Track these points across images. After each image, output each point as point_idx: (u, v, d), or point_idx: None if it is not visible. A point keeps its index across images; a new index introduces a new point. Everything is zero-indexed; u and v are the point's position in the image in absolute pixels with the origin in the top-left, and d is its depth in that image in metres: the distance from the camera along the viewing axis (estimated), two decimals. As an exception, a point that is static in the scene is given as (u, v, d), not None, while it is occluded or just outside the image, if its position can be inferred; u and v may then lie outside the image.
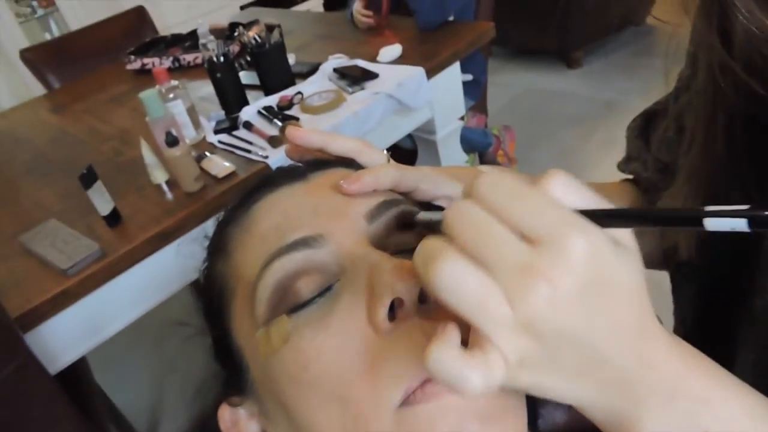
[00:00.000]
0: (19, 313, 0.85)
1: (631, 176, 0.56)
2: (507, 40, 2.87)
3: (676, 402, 0.24)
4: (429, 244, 0.23)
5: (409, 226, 0.34)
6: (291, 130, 0.39)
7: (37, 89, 2.21)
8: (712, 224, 0.20)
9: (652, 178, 0.52)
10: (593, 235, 0.22)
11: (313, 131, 0.39)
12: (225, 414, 0.35)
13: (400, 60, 1.42)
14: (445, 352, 0.22)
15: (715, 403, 0.24)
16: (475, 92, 1.84)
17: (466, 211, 0.23)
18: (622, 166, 0.57)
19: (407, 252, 0.32)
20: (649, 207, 0.34)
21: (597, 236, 0.22)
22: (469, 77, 1.75)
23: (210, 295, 0.36)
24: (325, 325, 0.29)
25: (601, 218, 0.22)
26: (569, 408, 0.44)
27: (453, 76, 1.49)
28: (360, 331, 0.29)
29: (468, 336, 0.23)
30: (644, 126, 0.54)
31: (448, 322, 0.24)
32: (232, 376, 0.35)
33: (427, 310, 0.29)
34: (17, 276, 0.96)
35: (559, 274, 0.21)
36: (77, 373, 1.17)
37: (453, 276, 0.22)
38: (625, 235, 0.23)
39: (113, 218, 1.03)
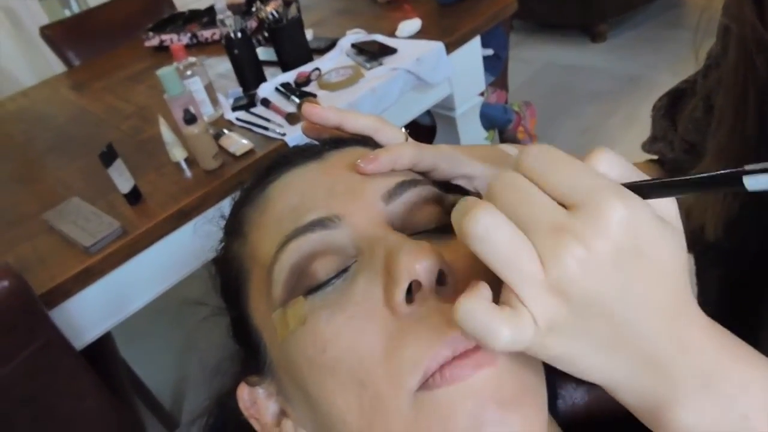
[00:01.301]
0: (45, 290, 0.87)
1: (656, 157, 0.55)
2: (529, 13, 2.80)
3: (714, 387, 0.23)
4: (469, 200, 0.24)
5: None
6: (307, 108, 0.38)
7: (57, 66, 2.22)
8: (752, 183, 0.20)
9: (678, 159, 0.51)
10: (633, 204, 0.21)
11: (330, 108, 0.38)
12: (243, 393, 0.35)
13: (419, 35, 1.39)
14: (476, 303, 0.22)
15: (753, 389, 0.23)
16: (496, 67, 1.80)
17: (510, 178, 0.23)
18: (647, 147, 0.56)
19: (425, 233, 0.32)
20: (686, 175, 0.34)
21: (638, 206, 0.21)
22: (489, 52, 1.71)
23: (227, 276, 0.35)
24: (342, 307, 0.29)
25: (643, 191, 0.22)
26: (590, 388, 0.43)
27: (473, 51, 1.46)
28: (377, 313, 0.28)
29: (498, 298, 0.23)
30: (671, 105, 0.53)
31: (478, 281, 0.24)
32: (250, 356, 0.35)
33: (445, 292, 0.28)
34: (41, 253, 0.98)
35: (593, 236, 0.21)
36: (103, 348, 1.20)
37: (487, 226, 0.22)
38: (671, 213, 0.23)
39: (133, 196, 1.03)
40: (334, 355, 0.28)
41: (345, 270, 0.30)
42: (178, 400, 1.76)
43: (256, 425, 0.35)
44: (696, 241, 0.45)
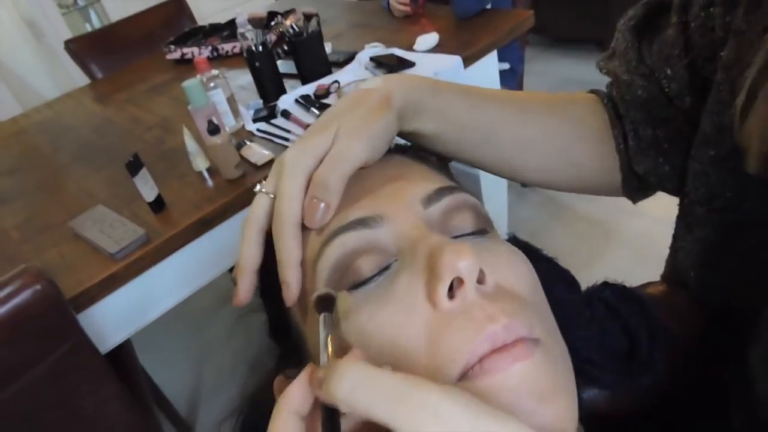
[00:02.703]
0: (72, 295, 0.89)
1: (607, 77, 0.50)
2: (544, 28, 2.82)
3: None
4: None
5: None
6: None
7: (80, 79, 2.28)
8: None
9: (632, 83, 0.46)
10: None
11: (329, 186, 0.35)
12: (280, 385, 0.37)
13: (437, 48, 1.41)
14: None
15: None
16: (512, 81, 1.82)
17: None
18: (602, 63, 0.50)
19: (462, 237, 0.33)
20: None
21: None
22: (506, 66, 1.73)
23: (269, 274, 0.37)
24: (384, 302, 0.30)
25: None
26: (611, 395, 0.44)
27: (490, 65, 1.48)
28: (419, 308, 0.29)
29: None
30: (643, 18, 0.46)
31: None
32: (287, 351, 0.36)
33: (484, 290, 0.29)
34: (68, 260, 1.00)
35: None
36: (124, 355, 1.22)
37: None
38: None
39: (157, 204, 1.06)
40: (376, 349, 0.29)
41: (386, 268, 0.32)
42: (193, 407, 1.77)
43: None
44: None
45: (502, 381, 0.27)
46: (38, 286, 0.73)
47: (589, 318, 0.41)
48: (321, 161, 0.35)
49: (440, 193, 0.34)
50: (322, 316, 0.29)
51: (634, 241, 1.75)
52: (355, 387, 0.23)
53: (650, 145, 0.46)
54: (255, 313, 0.42)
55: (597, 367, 0.39)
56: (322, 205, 0.33)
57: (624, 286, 0.44)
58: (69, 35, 2.51)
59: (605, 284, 0.44)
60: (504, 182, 1.76)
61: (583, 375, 0.38)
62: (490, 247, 0.33)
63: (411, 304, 0.30)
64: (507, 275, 0.32)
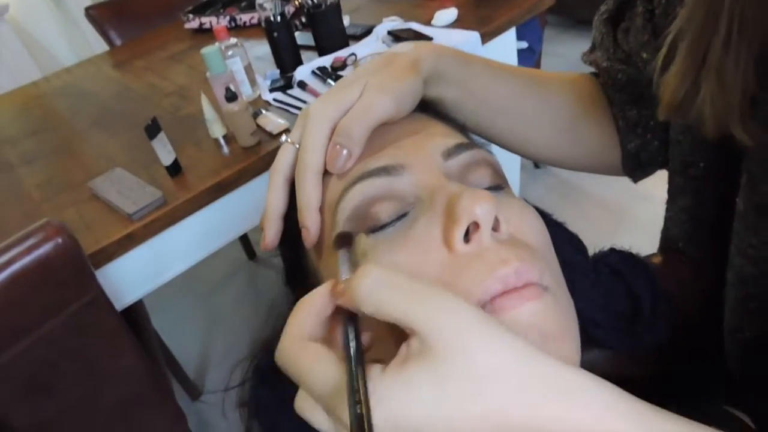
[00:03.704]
0: (90, 252, 0.91)
1: (592, 69, 0.54)
2: (564, 9, 2.78)
3: None
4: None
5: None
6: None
7: (98, 46, 2.29)
8: None
9: (612, 68, 0.49)
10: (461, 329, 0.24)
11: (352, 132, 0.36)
12: None
13: (455, 24, 1.40)
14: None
15: None
16: (530, 61, 1.81)
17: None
18: (585, 57, 0.54)
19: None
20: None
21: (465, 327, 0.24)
22: (524, 45, 1.72)
23: (291, 218, 0.38)
24: (401, 245, 0.31)
25: None
26: (612, 357, 0.45)
27: (508, 42, 1.47)
28: (435, 250, 0.31)
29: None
30: (615, 10, 0.50)
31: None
32: (302, 297, 0.38)
33: (499, 237, 0.31)
34: (87, 219, 1.03)
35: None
36: (137, 314, 1.25)
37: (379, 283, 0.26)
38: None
39: (174, 169, 1.08)
40: None
41: (405, 215, 0.33)
42: (201, 371, 1.82)
43: None
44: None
45: (511, 318, 0.28)
46: (59, 240, 0.75)
47: (594, 280, 0.42)
48: (345, 114, 0.36)
49: (460, 147, 0.36)
50: (341, 251, 0.31)
51: (645, 224, 1.75)
52: (376, 288, 0.24)
53: (637, 124, 0.49)
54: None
55: (600, 327, 0.40)
56: (345, 152, 0.35)
57: (630, 253, 0.45)
58: (89, 2, 2.52)
59: (612, 250, 0.45)
60: (517, 162, 1.76)
61: (586, 334, 0.39)
62: (506, 200, 0.34)
63: (427, 247, 0.31)
64: (520, 227, 0.33)
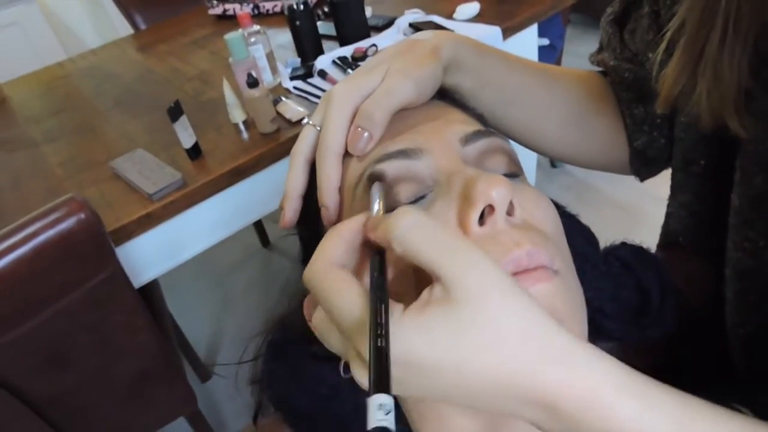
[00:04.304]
0: (110, 230, 0.94)
1: (599, 68, 0.55)
2: (588, 7, 2.75)
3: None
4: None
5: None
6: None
7: (122, 29, 2.32)
8: None
9: (620, 67, 0.50)
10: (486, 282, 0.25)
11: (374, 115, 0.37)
12: (309, 304, 0.39)
13: (477, 18, 1.40)
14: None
15: None
16: (551, 58, 1.80)
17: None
18: (592, 57, 0.55)
19: None
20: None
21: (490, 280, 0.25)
22: (545, 42, 1.71)
23: (310, 200, 0.39)
24: None
25: None
26: (619, 349, 0.46)
27: (529, 38, 1.46)
28: None
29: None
30: (621, 12, 0.52)
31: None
32: None
33: (512, 222, 0.31)
34: (107, 197, 1.05)
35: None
36: (151, 293, 1.28)
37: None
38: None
39: (194, 151, 1.10)
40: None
41: (422, 197, 0.34)
42: (211, 354, 1.84)
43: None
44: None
45: None
46: (82, 215, 0.77)
47: (604, 272, 0.42)
48: (367, 98, 0.37)
49: (478, 134, 0.37)
50: (376, 183, 0.32)
51: (658, 225, 1.74)
52: (411, 229, 0.25)
53: (643, 121, 0.50)
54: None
55: (608, 317, 0.41)
56: (366, 134, 0.36)
57: (640, 247, 0.45)
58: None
59: (623, 244, 0.45)
60: (533, 160, 1.76)
61: (594, 325, 0.40)
62: (521, 187, 0.35)
63: None
64: (534, 213, 0.34)
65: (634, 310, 0.42)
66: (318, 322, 0.29)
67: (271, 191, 1.14)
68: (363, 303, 0.26)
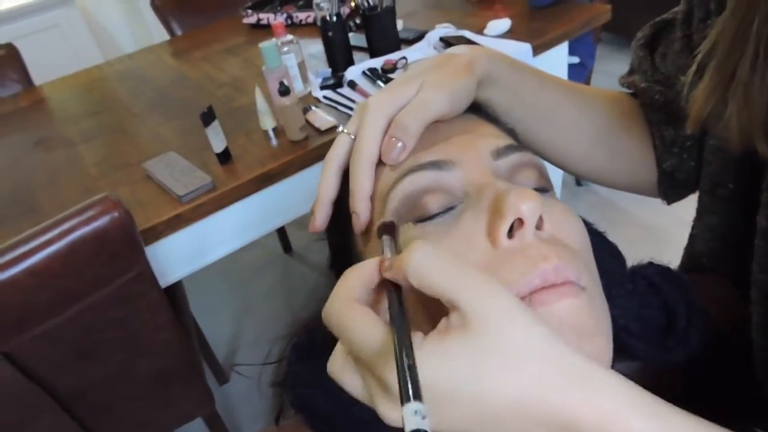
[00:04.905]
0: (140, 229, 0.96)
1: (629, 91, 0.55)
2: (620, 27, 2.73)
3: None
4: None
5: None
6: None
7: (158, 36, 2.39)
8: None
9: (650, 89, 0.50)
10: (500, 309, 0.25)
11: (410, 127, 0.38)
12: None
13: (508, 34, 1.41)
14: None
15: None
16: (580, 76, 1.80)
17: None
18: (623, 79, 0.56)
19: None
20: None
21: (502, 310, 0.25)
22: (575, 60, 1.71)
23: (341, 206, 0.40)
24: (447, 235, 0.33)
25: None
26: (642, 370, 0.46)
27: (560, 56, 1.47)
28: (479, 243, 0.32)
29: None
30: (651, 36, 0.52)
31: None
32: None
33: (541, 236, 0.32)
34: (139, 197, 1.08)
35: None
36: (176, 293, 1.30)
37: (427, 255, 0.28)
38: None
39: (225, 156, 1.12)
40: None
41: (452, 208, 0.35)
42: (230, 356, 1.86)
43: None
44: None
45: (549, 312, 0.30)
46: (116, 213, 0.80)
47: (630, 290, 0.42)
48: (401, 109, 0.38)
49: (509, 149, 0.37)
50: (384, 237, 0.33)
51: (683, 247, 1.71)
52: (425, 262, 0.26)
53: (673, 143, 0.50)
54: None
55: (633, 336, 0.41)
56: (400, 144, 0.36)
57: (668, 267, 0.45)
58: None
59: (650, 263, 0.45)
60: (559, 178, 1.75)
61: (618, 343, 0.40)
62: (550, 202, 0.36)
63: (472, 239, 0.32)
64: (563, 228, 0.34)
65: (660, 330, 0.42)
66: (336, 367, 0.30)
67: (297, 198, 1.16)
68: (384, 332, 0.26)
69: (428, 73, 0.40)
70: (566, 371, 0.24)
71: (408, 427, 0.21)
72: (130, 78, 1.73)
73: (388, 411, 0.26)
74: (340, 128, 0.41)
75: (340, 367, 0.30)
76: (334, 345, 0.40)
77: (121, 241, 0.82)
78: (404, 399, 0.22)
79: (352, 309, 0.28)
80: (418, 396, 0.22)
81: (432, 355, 0.25)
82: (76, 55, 2.75)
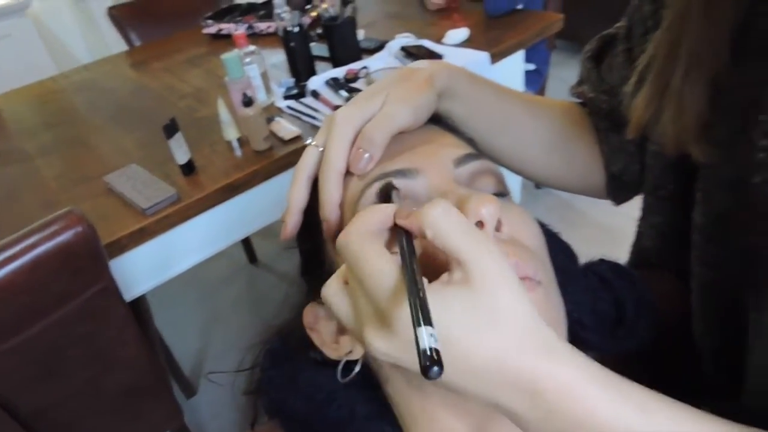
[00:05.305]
0: (104, 243, 0.95)
1: (579, 100, 0.59)
2: (573, 34, 2.83)
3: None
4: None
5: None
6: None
7: (114, 46, 2.34)
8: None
9: (597, 99, 0.54)
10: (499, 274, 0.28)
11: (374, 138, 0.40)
12: (309, 312, 0.42)
13: (466, 43, 1.45)
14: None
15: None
16: (536, 82, 1.86)
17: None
18: (572, 89, 0.59)
19: None
20: None
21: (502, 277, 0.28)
22: (531, 67, 1.76)
23: (310, 214, 0.42)
24: None
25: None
26: (598, 360, 0.49)
27: (516, 63, 1.52)
28: None
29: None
30: (598, 49, 0.56)
31: None
32: (318, 284, 0.41)
33: (500, 237, 0.34)
34: (101, 211, 1.06)
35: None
36: (140, 308, 1.29)
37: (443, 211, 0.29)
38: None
39: (188, 168, 1.12)
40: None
41: None
42: (196, 369, 1.84)
43: (316, 340, 0.41)
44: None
45: None
46: (80, 228, 0.79)
47: (584, 286, 0.45)
48: (367, 122, 0.40)
49: (469, 157, 0.40)
50: (394, 192, 0.36)
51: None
52: (443, 217, 0.28)
53: (619, 149, 0.54)
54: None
55: (587, 329, 0.44)
56: (367, 155, 0.39)
57: (618, 264, 0.48)
58: (111, 1, 2.58)
59: (601, 260, 0.49)
60: (518, 182, 1.81)
61: (572, 335, 0.42)
62: (508, 206, 0.38)
63: None
64: (520, 230, 0.37)
65: (611, 323, 0.45)
66: (330, 291, 0.32)
67: (263, 208, 1.16)
68: (396, 269, 0.29)
69: (392, 88, 0.42)
70: (540, 341, 0.27)
71: (427, 344, 0.23)
72: (87, 89, 1.70)
73: (377, 339, 0.28)
74: (309, 140, 0.43)
75: (334, 291, 0.32)
76: (310, 347, 0.42)
77: (86, 256, 0.82)
78: (422, 322, 0.24)
79: (370, 241, 0.30)
80: (429, 323, 0.24)
81: (433, 301, 0.27)
82: (29, 66, 2.67)
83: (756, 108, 0.35)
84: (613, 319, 0.45)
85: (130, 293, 1.04)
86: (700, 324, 0.45)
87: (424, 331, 0.24)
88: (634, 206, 0.61)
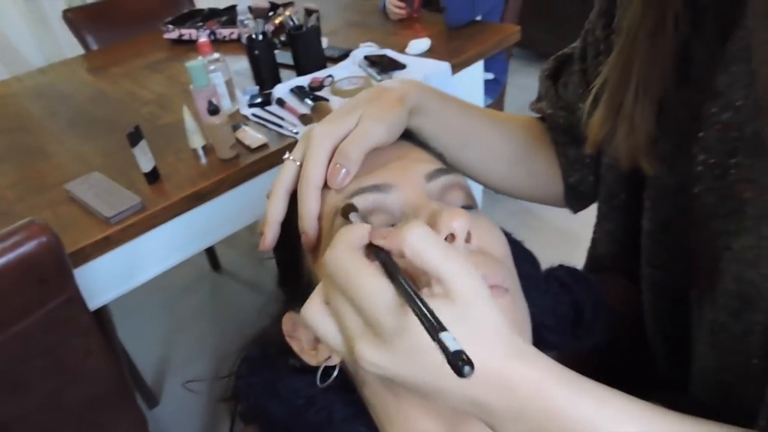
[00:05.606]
0: (67, 252, 0.93)
1: (538, 115, 0.63)
2: (529, 43, 2.92)
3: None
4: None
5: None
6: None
7: (68, 50, 2.28)
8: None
9: (555, 115, 0.58)
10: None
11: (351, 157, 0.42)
12: (288, 320, 0.43)
13: (428, 53, 1.49)
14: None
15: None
16: (495, 91, 1.91)
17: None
18: (532, 105, 0.63)
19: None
20: None
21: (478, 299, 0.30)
22: (490, 76, 1.82)
23: (289, 227, 0.43)
24: None
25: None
26: (557, 357, 0.52)
27: (476, 73, 1.56)
28: None
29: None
30: (554, 68, 0.60)
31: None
32: (297, 293, 0.43)
33: (470, 248, 0.37)
34: (63, 220, 1.04)
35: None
36: (102, 317, 1.26)
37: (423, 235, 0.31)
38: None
39: (153, 176, 1.11)
40: None
41: (392, 226, 0.39)
42: (158, 380, 1.81)
43: (295, 347, 0.43)
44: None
45: None
46: (44, 238, 0.78)
47: (545, 291, 0.49)
48: (343, 138, 0.42)
49: (440, 172, 0.42)
50: (352, 213, 0.38)
51: (596, 252, 1.86)
52: (421, 239, 0.30)
53: (576, 161, 0.58)
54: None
55: (548, 329, 0.47)
56: (344, 170, 0.41)
57: (576, 269, 0.52)
58: (64, 4, 2.51)
59: (561, 266, 0.52)
60: (479, 188, 1.85)
61: (536, 335, 0.46)
62: (477, 218, 0.41)
63: None
64: (487, 241, 0.40)
65: (571, 323, 0.48)
66: (313, 312, 0.34)
67: (229, 216, 1.16)
68: (389, 284, 0.31)
69: (366, 106, 0.44)
70: (514, 347, 0.30)
71: (453, 348, 0.25)
72: (43, 95, 1.65)
73: (373, 354, 0.30)
74: (286, 155, 0.44)
75: (315, 312, 0.34)
76: (288, 355, 0.44)
77: (50, 266, 0.80)
78: (438, 330, 0.27)
79: (359, 259, 0.32)
80: (445, 328, 0.27)
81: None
82: (-24, 69, 2.57)
83: (696, 125, 0.39)
84: (572, 320, 0.49)
85: (94, 303, 1.03)
86: (651, 321, 0.49)
87: (446, 335, 0.26)
88: (590, 212, 0.66)
